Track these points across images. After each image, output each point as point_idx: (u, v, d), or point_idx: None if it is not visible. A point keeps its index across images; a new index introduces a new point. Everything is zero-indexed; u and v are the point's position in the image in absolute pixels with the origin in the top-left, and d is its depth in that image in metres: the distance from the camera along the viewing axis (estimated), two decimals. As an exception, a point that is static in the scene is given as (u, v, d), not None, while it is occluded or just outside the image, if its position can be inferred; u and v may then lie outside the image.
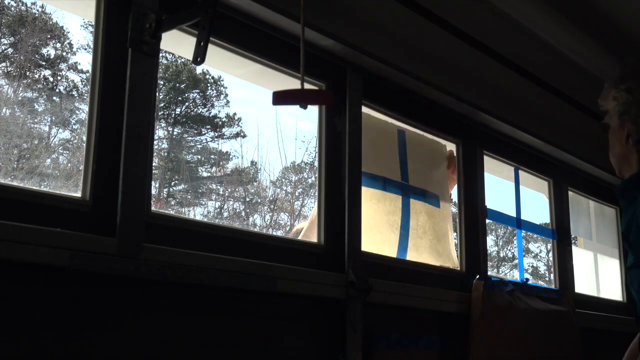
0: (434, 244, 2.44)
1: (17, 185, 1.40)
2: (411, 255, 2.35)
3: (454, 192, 2.65)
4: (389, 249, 2.29)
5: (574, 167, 3.25)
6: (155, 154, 1.63)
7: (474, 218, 2.60)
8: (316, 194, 2.07)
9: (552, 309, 2.70)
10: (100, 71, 1.54)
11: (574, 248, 3.25)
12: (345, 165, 2.09)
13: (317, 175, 2.09)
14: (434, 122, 2.53)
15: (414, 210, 2.38)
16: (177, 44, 1.85)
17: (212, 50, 1.77)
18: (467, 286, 2.44)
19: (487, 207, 2.68)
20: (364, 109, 2.26)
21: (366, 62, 2.16)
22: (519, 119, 2.79)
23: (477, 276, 2.49)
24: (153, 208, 1.60)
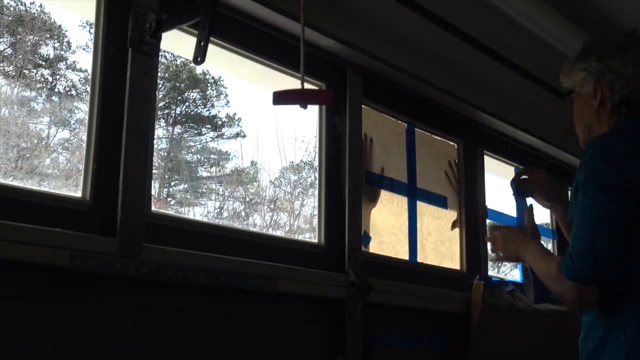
0: (438, 246, 2.45)
1: (17, 185, 1.40)
2: (420, 257, 2.36)
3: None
4: (402, 250, 2.30)
5: (575, 168, 3.24)
6: (155, 154, 1.63)
7: (474, 218, 2.60)
8: (316, 193, 2.07)
9: (552, 309, 2.70)
10: (100, 71, 1.54)
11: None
12: (345, 165, 2.09)
13: (317, 175, 2.09)
14: (434, 122, 2.53)
15: (419, 212, 2.39)
16: (177, 44, 1.85)
17: (213, 50, 1.76)
18: (467, 286, 2.44)
19: (487, 207, 2.68)
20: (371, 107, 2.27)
21: (366, 62, 2.16)
22: (519, 118, 2.79)
23: (478, 276, 2.49)
24: (153, 208, 1.60)
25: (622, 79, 1.70)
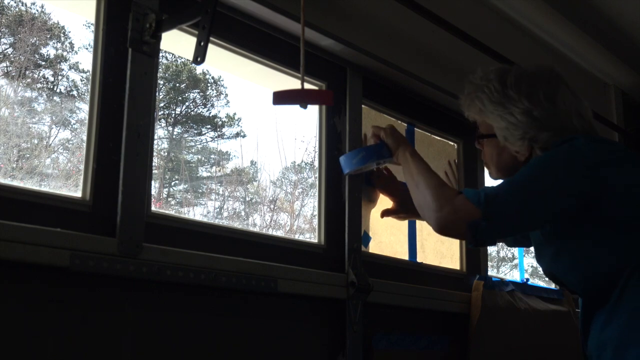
0: (438, 246, 2.45)
1: (17, 185, 1.40)
2: (420, 257, 2.36)
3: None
4: (402, 250, 2.30)
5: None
6: (155, 154, 1.63)
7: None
8: (316, 194, 2.07)
9: (552, 309, 2.70)
10: (100, 71, 1.54)
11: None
12: (345, 165, 2.09)
13: (317, 175, 2.09)
14: (434, 122, 2.52)
15: None
16: (176, 44, 1.85)
17: (212, 50, 1.77)
18: (467, 286, 2.44)
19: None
20: (371, 107, 2.26)
21: (366, 62, 2.16)
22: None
23: (477, 276, 2.49)
24: (153, 208, 1.60)
25: (550, 119, 1.57)
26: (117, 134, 1.54)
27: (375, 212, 2.24)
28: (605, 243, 1.50)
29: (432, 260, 2.41)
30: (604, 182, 1.47)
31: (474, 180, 2.63)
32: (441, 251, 2.46)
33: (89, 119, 1.54)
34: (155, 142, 1.68)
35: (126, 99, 1.55)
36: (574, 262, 1.55)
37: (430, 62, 2.38)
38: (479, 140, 1.73)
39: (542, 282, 3.62)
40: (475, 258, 2.57)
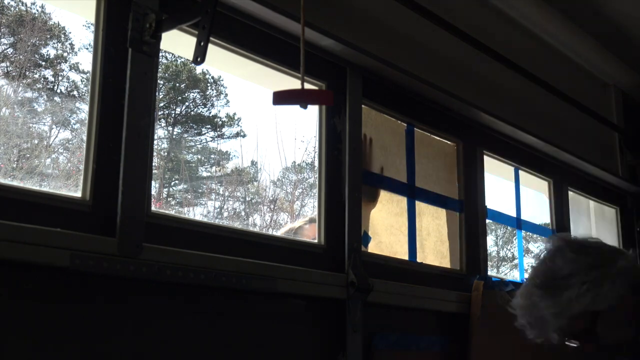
0: (438, 246, 2.45)
1: (17, 185, 1.40)
2: (420, 257, 2.36)
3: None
4: (401, 250, 2.30)
5: (574, 167, 3.25)
6: (155, 154, 1.63)
7: (474, 218, 2.59)
8: (316, 194, 2.07)
9: (552, 309, 2.70)
10: (100, 71, 1.54)
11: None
12: (345, 165, 2.09)
13: (317, 175, 2.09)
14: (434, 122, 2.52)
15: (418, 211, 2.39)
16: (176, 44, 1.85)
17: (212, 50, 1.76)
18: (467, 286, 2.44)
19: (487, 207, 2.68)
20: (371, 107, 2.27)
21: (366, 62, 2.16)
22: (519, 119, 2.79)
23: (477, 276, 2.49)
24: (153, 208, 1.60)
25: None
26: (117, 134, 1.54)
27: (375, 212, 2.24)
28: None
29: (432, 260, 2.41)
30: None
31: (473, 180, 2.63)
32: (441, 251, 2.46)
33: (89, 119, 1.54)
34: (155, 142, 1.68)
35: (126, 99, 1.55)
36: None
37: (430, 62, 2.38)
38: (592, 335, 1.76)
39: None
40: (475, 258, 2.57)
